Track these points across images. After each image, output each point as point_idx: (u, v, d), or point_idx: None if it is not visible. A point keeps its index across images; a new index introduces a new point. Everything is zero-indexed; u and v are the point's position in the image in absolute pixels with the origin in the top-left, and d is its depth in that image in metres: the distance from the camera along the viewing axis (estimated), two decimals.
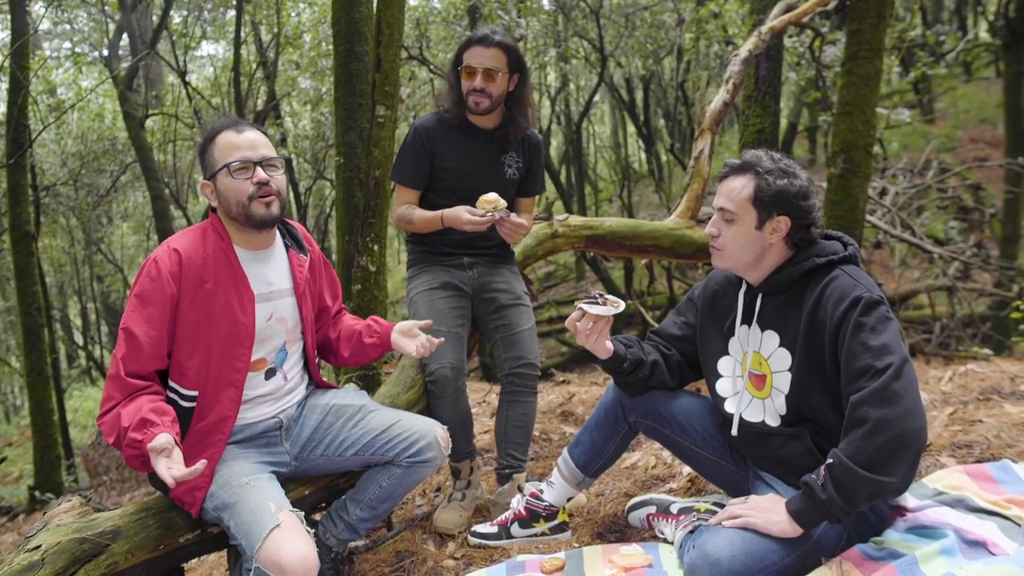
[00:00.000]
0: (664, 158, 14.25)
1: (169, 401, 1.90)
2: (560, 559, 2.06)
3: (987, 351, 4.93)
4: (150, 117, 9.59)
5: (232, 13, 9.59)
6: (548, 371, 5.44)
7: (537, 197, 2.79)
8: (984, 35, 13.88)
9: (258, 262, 2.03)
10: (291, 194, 9.92)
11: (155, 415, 1.75)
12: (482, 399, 4.38)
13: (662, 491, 2.50)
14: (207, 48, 18.94)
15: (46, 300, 7.90)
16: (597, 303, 1.98)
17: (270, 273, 2.05)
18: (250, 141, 1.95)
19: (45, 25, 11.17)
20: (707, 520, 1.90)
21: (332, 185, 9.83)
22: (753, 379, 1.97)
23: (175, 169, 10.38)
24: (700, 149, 3.70)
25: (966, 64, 13.65)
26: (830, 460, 1.70)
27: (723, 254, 1.94)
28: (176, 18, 10.09)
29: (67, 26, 11.79)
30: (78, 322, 15.49)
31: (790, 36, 6.50)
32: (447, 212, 2.45)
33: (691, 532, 1.91)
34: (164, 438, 1.69)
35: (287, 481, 2.14)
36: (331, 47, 5.30)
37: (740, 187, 1.89)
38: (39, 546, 1.85)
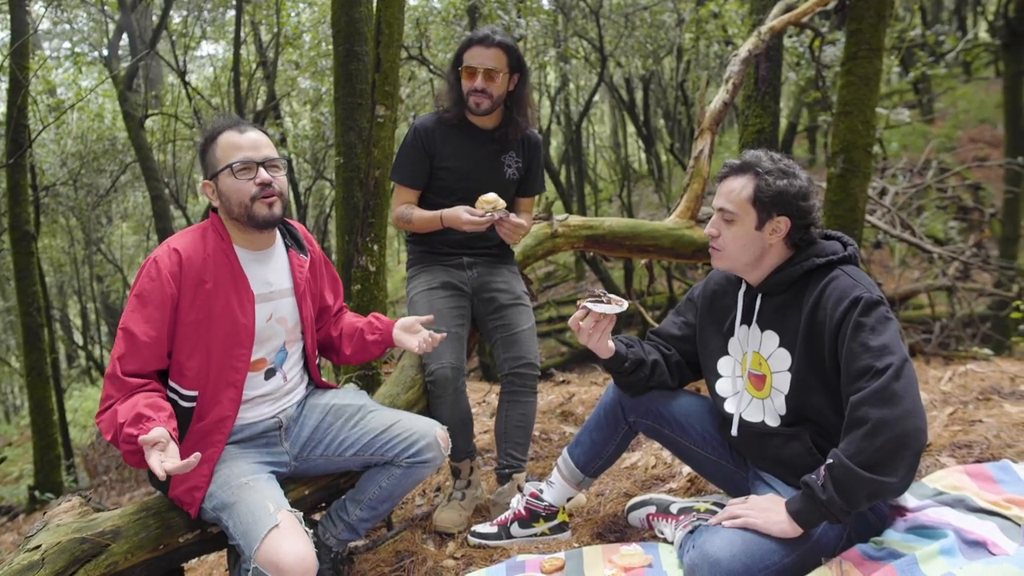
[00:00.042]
0: (664, 158, 14.25)
1: (169, 401, 1.90)
2: (560, 559, 2.06)
3: (987, 351, 4.93)
4: (150, 117, 9.59)
5: (232, 13, 9.58)
6: (548, 371, 5.44)
7: (537, 197, 2.79)
8: (984, 35, 13.88)
9: (258, 262, 2.03)
10: (291, 194, 9.92)
11: (151, 410, 1.75)
12: (482, 399, 4.38)
13: (662, 491, 2.50)
14: (207, 48, 18.94)
15: (46, 300, 7.89)
16: (601, 302, 1.98)
17: (270, 273, 2.05)
18: (253, 141, 1.95)
19: (45, 25, 11.17)
20: (707, 520, 1.90)
21: (332, 185, 9.83)
22: (753, 379, 1.97)
23: (175, 169, 10.37)
24: (700, 149, 3.70)
25: (966, 64, 13.65)
26: (830, 460, 1.70)
27: (723, 254, 1.94)
28: (176, 18, 10.09)
29: (67, 26, 11.79)
30: (78, 322, 15.49)
31: (790, 36, 6.50)
32: (446, 212, 2.45)
33: (691, 532, 1.91)
34: (158, 431, 1.68)
35: (287, 481, 2.14)
36: (331, 47, 5.30)
37: (740, 187, 1.89)
38: (39, 546, 1.85)
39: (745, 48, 4.03)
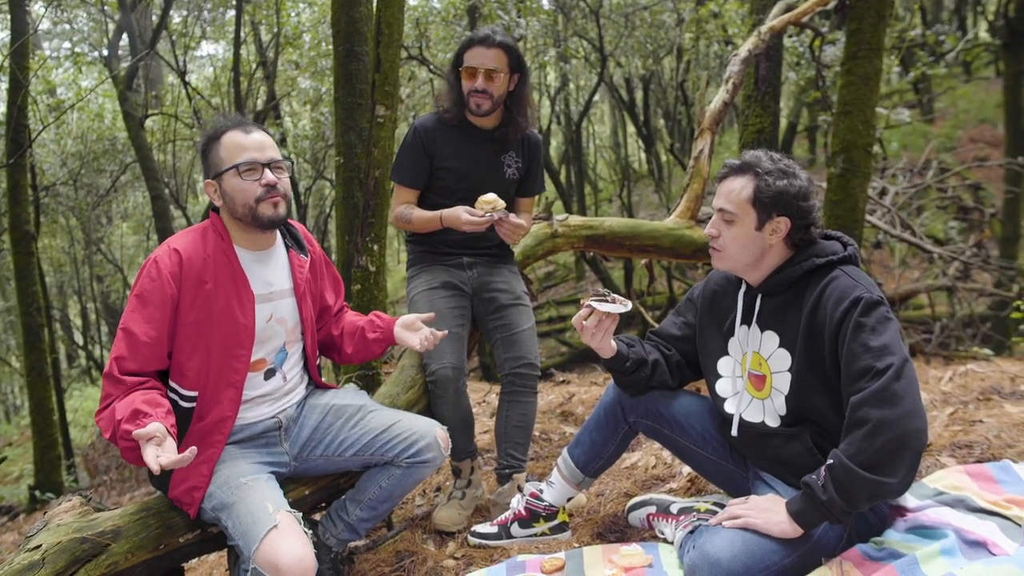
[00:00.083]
0: (664, 158, 14.25)
1: (169, 401, 1.89)
2: (560, 559, 2.06)
3: (987, 351, 4.93)
4: (150, 117, 9.59)
5: (232, 13, 9.58)
6: (548, 371, 5.44)
7: (537, 197, 2.79)
8: (984, 35, 13.89)
9: (258, 263, 2.03)
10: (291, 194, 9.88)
11: (148, 406, 1.75)
12: (482, 399, 4.38)
13: (662, 491, 2.50)
14: (207, 48, 18.94)
15: (46, 300, 7.89)
16: (606, 301, 1.97)
17: (270, 274, 2.05)
18: (258, 142, 1.95)
19: (45, 25, 11.17)
20: (707, 520, 1.90)
21: (332, 185, 9.83)
22: (753, 379, 1.97)
23: (175, 169, 10.38)
24: (700, 149, 3.70)
25: (966, 64, 13.65)
26: (830, 461, 1.69)
27: (723, 255, 1.94)
28: (176, 18, 10.09)
29: (67, 26, 11.79)
30: (78, 322, 15.49)
31: (790, 36, 6.50)
32: (446, 212, 2.45)
33: (691, 532, 1.91)
34: (154, 426, 1.67)
35: (287, 481, 2.14)
36: (331, 47, 5.30)
37: (740, 188, 1.89)
38: (39, 546, 1.85)
39: (745, 48, 4.03)
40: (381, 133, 3.37)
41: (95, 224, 12.25)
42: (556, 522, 2.32)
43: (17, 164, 6.28)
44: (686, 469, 2.58)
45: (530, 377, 2.55)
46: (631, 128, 15.08)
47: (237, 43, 8.72)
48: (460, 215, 2.39)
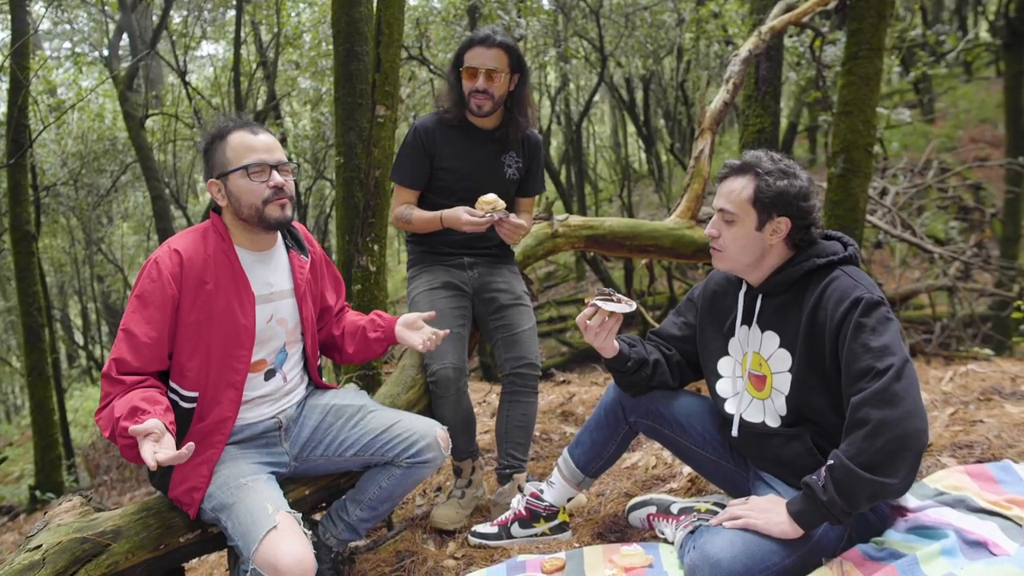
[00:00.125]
0: (664, 158, 14.26)
1: (169, 402, 1.89)
2: (560, 559, 2.06)
3: (988, 351, 4.93)
4: (150, 117, 9.59)
5: (232, 13, 9.59)
6: (548, 371, 5.44)
7: (537, 197, 2.79)
8: (984, 35, 13.88)
9: (259, 263, 2.03)
10: None
11: (146, 403, 1.74)
12: (482, 399, 4.38)
13: (662, 491, 2.50)
14: (207, 48, 18.96)
15: (46, 300, 7.89)
16: (611, 300, 1.97)
17: (271, 274, 2.05)
18: (266, 144, 1.96)
19: (45, 25, 11.18)
20: (707, 520, 1.90)
21: (332, 185, 9.84)
22: (753, 380, 1.97)
23: (175, 169, 10.38)
24: (700, 149, 3.70)
25: (966, 64, 13.64)
26: (831, 461, 1.69)
27: (723, 255, 1.94)
28: (176, 18, 10.10)
29: (67, 26, 11.80)
30: (78, 322, 15.50)
31: (790, 36, 6.50)
32: (446, 213, 2.45)
33: (691, 532, 1.91)
34: (152, 422, 1.67)
35: (287, 481, 2.14)
36: (331, 47, 5.30)
37: (740, 188, 1.89)
38: (40, 546, 1.85)
39: (745, 48, 4.03)
40: (381, 133, 3.37)
41: (95, 224, 12.26)
42: (556, 522, 2.32)
43: (18, 164, 6.28)
44: (686, 469, 2.58)
45: (531, 377, 2.55)
46: (631, 128, 15.09)
47: (237, 43, 8.72)
48: (460, 215, 2.39)
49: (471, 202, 2.42)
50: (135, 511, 2.00)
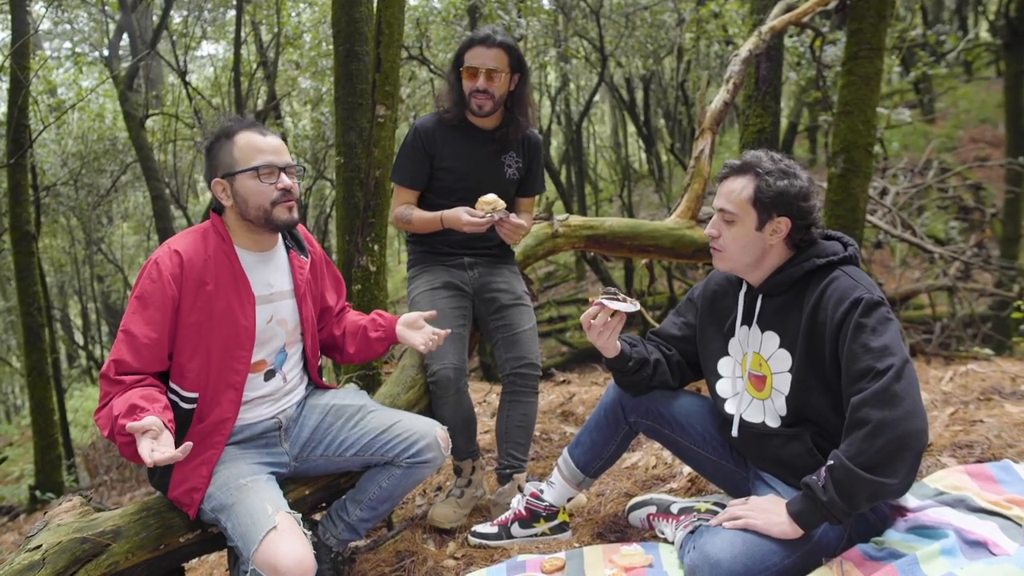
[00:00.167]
0: (664, 158, 14.26)
1: (170, 403, 1.89)
2: (560, 559, 2.06)
3: (988, 351, 4.93)
4: (150, 117, 9.59)
5: (232, 13, 9.59)
6: (548, 371, 5.44)
7: (537, 197, 2.79)
8: (985, 35, 13.89)
9: (259, 264, 2.03)
10: None
11: (145, 401, 1.74)
12: (483, 399, 4.38)
13: (662, 491, 2.50)
14: (207, 48, 18.96)
15: (46, 300, 7.89)
16: (617, 299, 1.97)
17: (271, 275, 2.05)
18: (275, 146, 1.96)
19: (45, 25, 11.18)
20: (707, 520, 1.90)
21: (332, 185, 9.84)
22: (753, 380, 1.97)
23: (175, 169, 10.38)
24: (700, 149, 3.70)
25: (967, 64, 13.64)
26: (831, 462, 1.69)
27: (723, 255, 1.94)
28: (176, 18, 10.10)
29: (67, 26, 11.80)
30: (78, 322, 15.50)
31: (790, 36, 6.50)
32: (447, 213, 2.45)
33: (691, 532, 1.91)
34: (150, 419, 1.67)
35: (287, 481, 2.14)
36: (331, 47, 5.31)
37: (740, 188, 1.89)
38: (40, 546, 1.85)
39: (746, 48, 4.03)
40: (381, 133, 3.37)
41: (96, 224, 12.26)
42: (556, 522, 2.32)
43: (18, 164, 6.28)
44: (686, 469, 2.58)
45: (531, 377, 2.55)
46: (631, 128, 15.09)
47: (237, 43, 8.72)
48: (461, 216, 2.39)
49: (471, 202, 2.41)
50: (135, 511, 2.00)
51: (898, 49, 8.58)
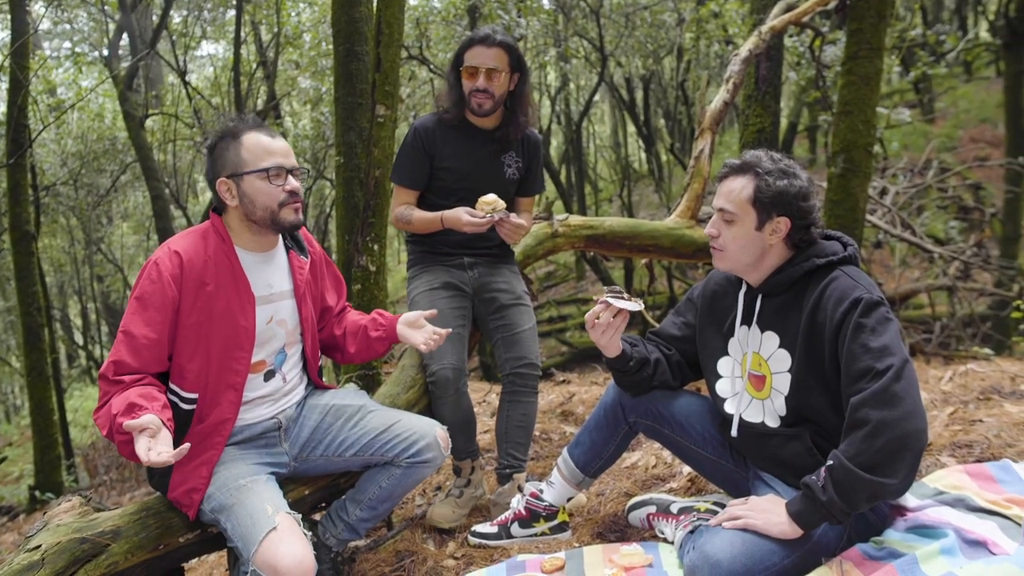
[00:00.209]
0: (664, 158, 14.26)
1: (169, 403, 1.89)
2: (560, 559, 2.06)
3: (987, 351, 4.93)
4: (150, 117, 9.59)
5: (232, 13, 9.59)
6: (548, 371, 5.44)
7: (537, 196, 2.79)
8: (984, 35, 13.89)
9: (259, 264, 2.03)
10: None
11: (143, 400, 1.74)
12: (482, 399, 4.38)
13: (662, 491, 2.50)
14: (207, 48, 18.95)
15: (46, 300, 7.89)
16: (622, 298, 1.97)
17: (271, 275, 2.05)
18: (284, 149, 1.98)
19: (45, 25, 11.18)
20: (707, 520, 1.90)
21: (332, 185, 9.83)
22: (753, 380, 1.97)
23: (175, 169, 10.37)
24: (700, 149, 3.70)
25: (966, 64, 13.65)
26: (830, 462, 1.69)
27: (723, 255, 1.94)
28: (176, 18, 10.10)
29: (67, 26, 11.80)
30: (78, 322, 15.49)
31: (790, 36, 6.50)
32: (447, 214, 2.45)
33: (691, 532, 1.91)
34: (148, 418, 1.67)
35: (287, 481, 2.14)
36: (331, 47, 5.30)
37: (740, 188, 1.89)
38: (39, 546, 1.85)
39: (746, 48, 4.03)
40: (381, 133, 3.37)
41: (95, 224, 12.25)
42: (556, 522, 2.32)
43: (17, 164, 6.28)
44: (686, 469, 2.58)
45: (531, 377, 2.55)
46: (631, 128, 15.09)
47: (237, 43, 8.72)
48: (461, 216, 2.38)
49: (471, 202, 2.41)
50: (134, 511, 2.00)
51: (898, 49, 8.58)
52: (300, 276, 2.11)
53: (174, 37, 9.60)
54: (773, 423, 1.93)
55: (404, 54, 7.35)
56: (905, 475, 1.65)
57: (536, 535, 2.31)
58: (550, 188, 10.95)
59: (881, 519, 1.91)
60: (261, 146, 1.94)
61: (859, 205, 3.79)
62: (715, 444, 2.11)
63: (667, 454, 2.78)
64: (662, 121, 14.45)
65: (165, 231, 8.58)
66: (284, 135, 9.52)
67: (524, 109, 2.54)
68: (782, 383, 1.90)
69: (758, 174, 1.87)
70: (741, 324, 2.00)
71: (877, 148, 6.56)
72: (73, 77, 10.90)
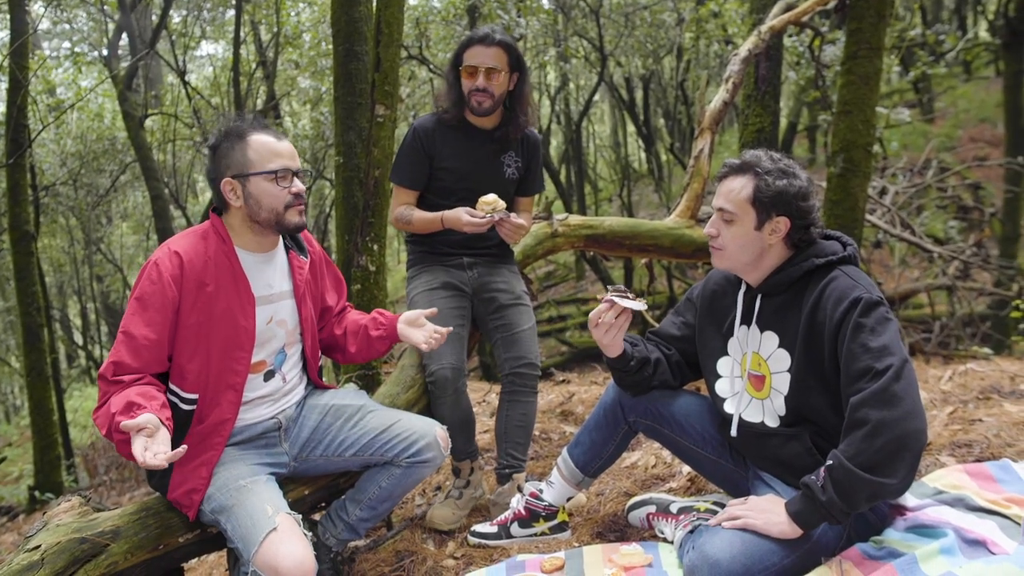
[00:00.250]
0: (664, 157, 14.26)
1: (169, 404, 1.89)
2: (560, 558, 2.06)
3: (987, 350, 4.94)
4: (149, 117, 9.59)
5: (231, 13, 9.59)
6: (548, 371, 5.43)
7: (536, 196, 2.79)
8: (984, 34, 13.89)
9: (259, 264, 2.03)
10: None
11: (142, 399, 1.74)
12: (482, 399, 4.38)
13: (662, 490, 2.50)
14: (207, 48, 18.96)
15: (46, 300, 7.89)
16: (626, 297, 1.96)
17: (271, 276, 2.05)
18: (290, 151, 1.99)
19: (45, 25, 11.18)
20: (707, 520, 1.90)
21: (332, 185, 9.83)
22: (752, 380, 1.97)
23: (175, 169, 10.37)
24: (700, 148, 3.70)
25: (966, 63, 13.65)
26: (830, 462, 1.69)
27: (723, 254, 1.94)
28: (176, 18, 10.10)
29: (66, 26, 11.79)
30: (78, 322, 15.49)
31: (790, 35, 6.50)
32: (447, 214, 2.45)
33: (691, 532, 1.91)
34: (146, 417, 1.67)
35: (287, 481, 2.14)
36: (331, 47, 5.30)
37: (739, 187, 1.89)
38: (39, 546, 1.85)
39: (745, 47, 4.03)
40: (381, 133, 3.37)
41: (95, 224, 12.25)
42: (556, 522, 2.32)
43: (17, 164, 6.28)
44: (686, 468, 2.59)
45: (530, 377, 2.55)
46: (631, 128, 15.09)
47: (237, 43, 8.71)
48: (461, 216, 2.38)
49: (470, 202, 2.41)
50: (134, 511, 2.00)
51: (897, 49, 8.58)
52: (300, 276, 2.11)
53: (173, 37, 9.60)
54: (772, 423, 1.93)
55: (404, 54, 7.35)
56: (905, 475, 1.65)
57: (536, 535, 2.31)
58: (550, 188, 10.95)
59: (881, 519, 1.91)
60: (268, 148, 1.95)
61: (858, 205, 3.80)
62: (715, 444, 2.11)
63: (667, 454, 2.78)
64: (662, 121, 14.45)
65: (165, 231, 8.57)
66: (284, 135, 9.57)
67: (524, 109, 2.54)
68: (781, 383, 1.90)
69: (758, 174, 1.87)
70: (740, 324, 2.00)
71: (876, 148, 6.56)
72: (72, 77, 10.90)
